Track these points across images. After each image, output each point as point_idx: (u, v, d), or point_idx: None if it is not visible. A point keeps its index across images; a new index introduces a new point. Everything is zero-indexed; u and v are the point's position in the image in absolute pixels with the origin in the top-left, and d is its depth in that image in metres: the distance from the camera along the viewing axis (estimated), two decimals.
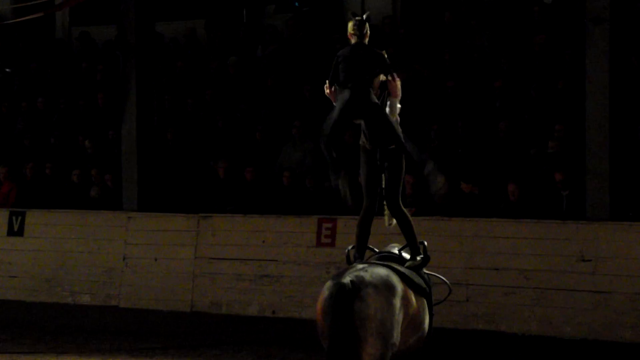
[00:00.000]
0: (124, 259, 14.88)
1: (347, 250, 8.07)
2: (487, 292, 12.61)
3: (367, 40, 8.13)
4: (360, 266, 7.47)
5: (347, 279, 7.15)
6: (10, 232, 15.68)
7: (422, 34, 16.27)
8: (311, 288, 13.44)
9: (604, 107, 12.55)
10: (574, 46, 14.43)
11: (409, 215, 8.09)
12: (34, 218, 15.64)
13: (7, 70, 17.53)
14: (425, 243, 8.12)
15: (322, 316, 7.16)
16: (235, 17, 18.36)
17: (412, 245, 7.98)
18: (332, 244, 13.49)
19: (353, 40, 8.12)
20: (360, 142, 8.20)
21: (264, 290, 13.81)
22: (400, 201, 8.05)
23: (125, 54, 15.57)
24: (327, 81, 8.15)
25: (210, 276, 14.20)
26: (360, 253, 8.02)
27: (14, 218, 15.66)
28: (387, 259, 7.84)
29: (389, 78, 8.11)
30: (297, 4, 18.32)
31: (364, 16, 8.16)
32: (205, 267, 14.26)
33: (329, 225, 13.51)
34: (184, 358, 11.92)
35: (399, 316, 7.24)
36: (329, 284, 7.26)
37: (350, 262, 7.91)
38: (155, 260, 14.58)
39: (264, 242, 13.94)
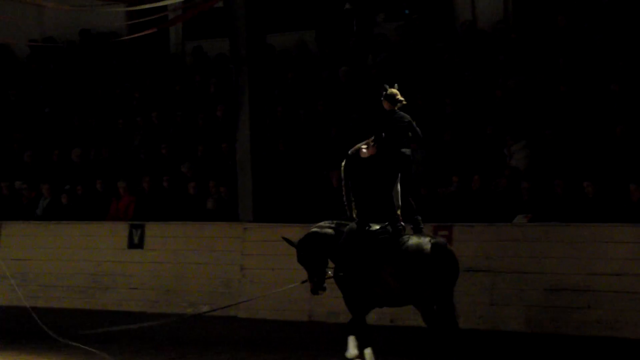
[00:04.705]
0: (241, 269, 15.04)
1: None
2: (608, 298, 12.38)
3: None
4: (411, 235, 10.76)
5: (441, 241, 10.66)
6: (131, 245, 16.01)
7: (535, 38, 16.04)
8: None
9: None
10: None
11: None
12: (153, 230, 15.93)
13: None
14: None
15: (425, 263, 10.41)
16: (345, 26, 18.40)
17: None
18: None
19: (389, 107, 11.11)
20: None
21: None
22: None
23: (237, 67, 15.75)
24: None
25: (327, 285, 14.18)
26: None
27: (133, 231, 16.00)
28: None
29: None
30: (406, 11, 18.27)
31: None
32: None
33: (445, 232, 13.39)
34: None
35: None
36: (423, 242, 10.56)
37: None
38: (272, 270, 14.68)
39: None
